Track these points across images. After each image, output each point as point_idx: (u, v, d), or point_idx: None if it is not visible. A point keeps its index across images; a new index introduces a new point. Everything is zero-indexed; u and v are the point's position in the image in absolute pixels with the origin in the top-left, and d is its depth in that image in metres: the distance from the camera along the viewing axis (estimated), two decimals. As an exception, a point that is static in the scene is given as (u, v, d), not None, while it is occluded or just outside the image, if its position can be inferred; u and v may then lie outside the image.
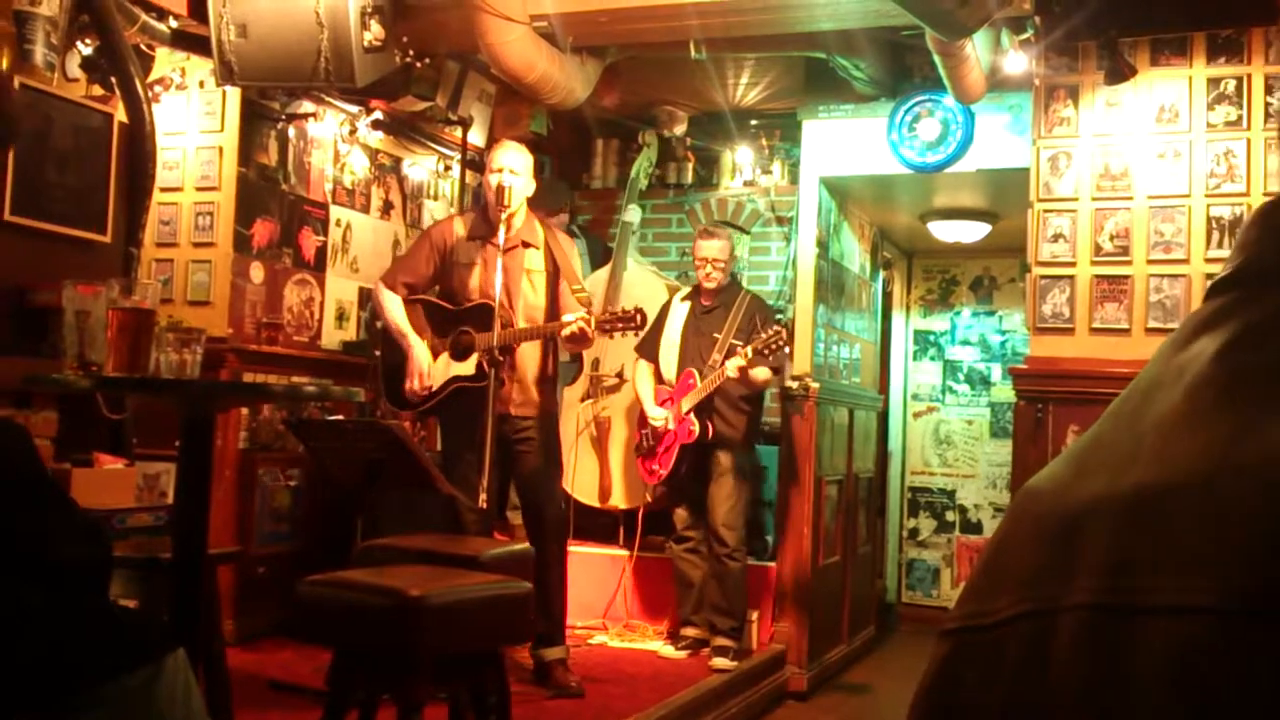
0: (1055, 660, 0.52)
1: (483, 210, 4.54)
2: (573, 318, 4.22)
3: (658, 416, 5.14)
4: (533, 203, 4.62)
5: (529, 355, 4.43)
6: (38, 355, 3.91)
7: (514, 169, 4.37)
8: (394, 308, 4.48)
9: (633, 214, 6.29)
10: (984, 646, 0.56)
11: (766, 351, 4.82)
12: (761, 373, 4.99)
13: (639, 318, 4.28)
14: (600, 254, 6.40)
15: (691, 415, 5.03)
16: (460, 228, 4.55)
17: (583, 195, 7.04)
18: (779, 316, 6.37)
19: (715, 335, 5.05)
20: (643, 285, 5.99)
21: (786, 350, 5.10)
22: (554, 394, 4.61)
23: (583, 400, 5.97)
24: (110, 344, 2.61)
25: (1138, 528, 0.53)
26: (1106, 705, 0.50)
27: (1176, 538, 0.51)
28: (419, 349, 4.40)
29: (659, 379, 5.28)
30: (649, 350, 5.32)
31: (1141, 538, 0.52)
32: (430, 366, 4.38)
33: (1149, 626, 0.50)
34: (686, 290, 5.46)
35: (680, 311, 5.32)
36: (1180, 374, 0.57)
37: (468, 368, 4.33)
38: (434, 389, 4.37)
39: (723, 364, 4.91)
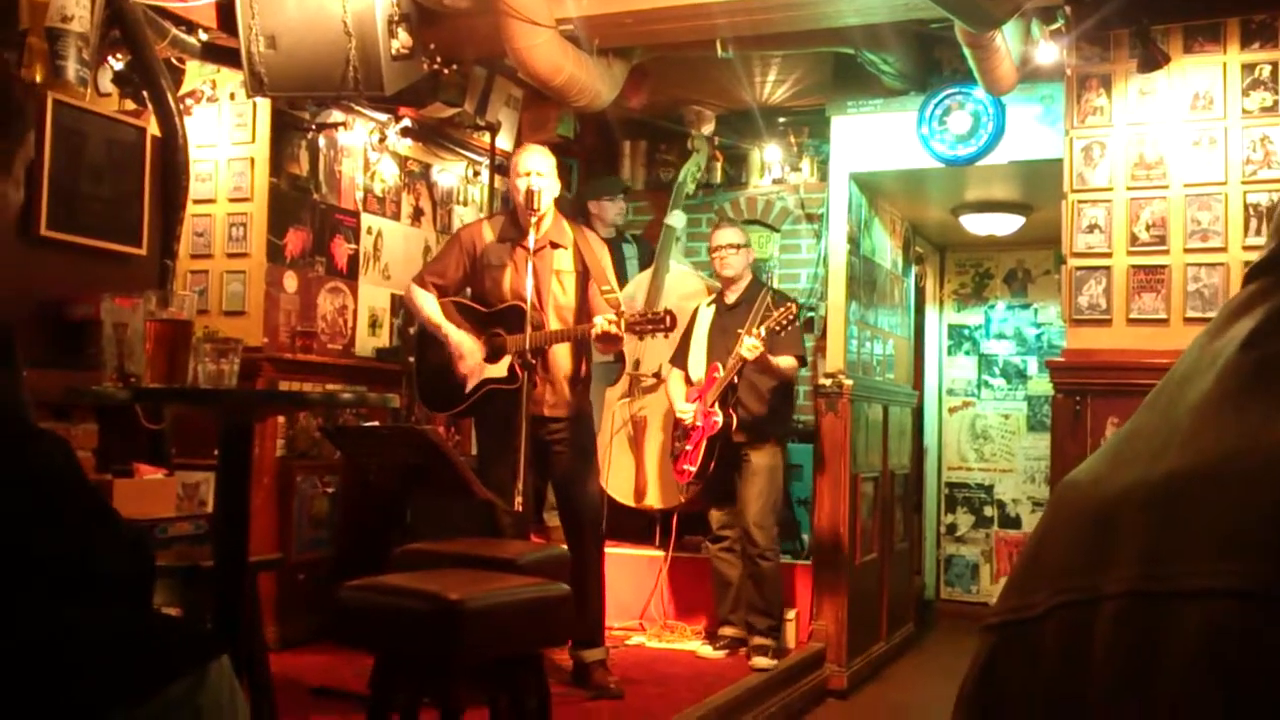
0: (1094, 649, 0.52)
1: (512, 214, 4.56)
2: (602, 319, 4.22)
3: (685, 410, 5.15)
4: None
5: (561, 356, 4.43)
6: (77, 368, 3.95)
7: (540, 171, 4.38)
8: (427, 303, 4.50)
9: (676, 219, 6.30)
10: (1025, 640, 0.56)
11: (778, 328, 4.80)
12: (785, 360, 4.97)
13: (668, 319, 4.27)
14: (645, 256, 6.42)
15: (715, 406, 5.03)
16: (489, 231, 4.56)
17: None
18: (810, 313, 6.36)
19: (739, 331, 5.04)
20: (684, 287, 6.00)
21: (799, 325, 5.04)
22: (587, 395, 4.61)
23: (620, 399, 5.99)
24: (148, 355, 2.64)
25: (1170, 515, 0.53)
26: (1142, 689, 0.50)
27: (1207, 523, 0.51)
28: (456, 334, 4.41)
29: (689, 383, 5.28)
30: (680, 359, 5.35)
31: (1174, 524, 0.52)
32: (473, 345, 4.40)
33: (1182, 611, 0.50)
34: (711, 297, 5.46)
35: (706, 316, 5.34)
36: (1213, 362, 0.57)
37: (500, 370, 4.34)
38: (478, 373, 4.38)
39: (738, 346, 4.88)
